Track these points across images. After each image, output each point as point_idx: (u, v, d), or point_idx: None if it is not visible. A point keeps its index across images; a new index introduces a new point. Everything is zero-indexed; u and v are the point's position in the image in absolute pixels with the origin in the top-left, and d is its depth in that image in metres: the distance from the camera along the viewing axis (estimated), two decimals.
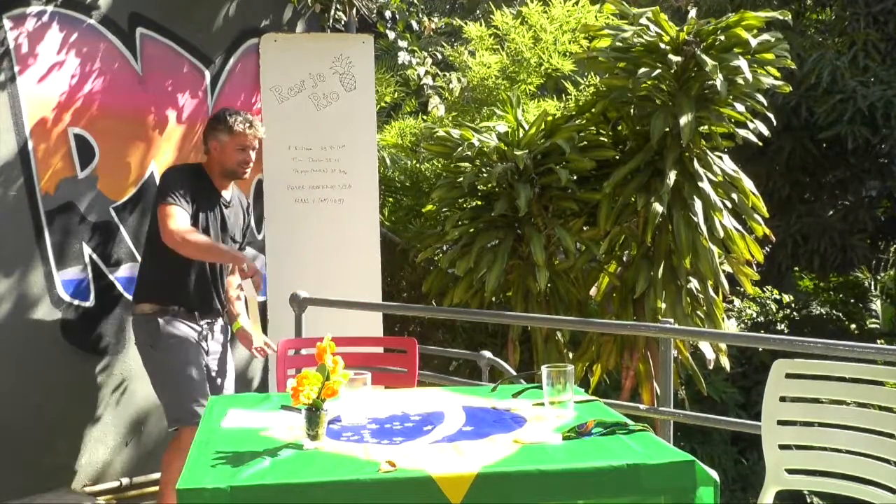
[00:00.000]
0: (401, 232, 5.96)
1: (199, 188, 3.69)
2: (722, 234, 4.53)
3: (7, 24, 4.02)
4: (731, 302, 7.65)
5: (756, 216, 4.71)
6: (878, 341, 8.52)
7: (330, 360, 2.14)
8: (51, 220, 4.15)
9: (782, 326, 8.24)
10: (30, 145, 4.09)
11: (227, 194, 3.82)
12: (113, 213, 4.39)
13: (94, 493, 4.28)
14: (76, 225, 4.25)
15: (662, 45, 4.46)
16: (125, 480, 4.43)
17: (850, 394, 2.53)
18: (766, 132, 4.69)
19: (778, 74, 4.63)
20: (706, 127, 4.66)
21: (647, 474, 1.93)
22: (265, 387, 4.86)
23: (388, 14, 5.97)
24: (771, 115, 4.78)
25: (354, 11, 5.44)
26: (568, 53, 6.09)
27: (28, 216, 4.09)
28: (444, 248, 5.34)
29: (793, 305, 8.57)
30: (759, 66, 4.46)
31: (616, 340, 4.76)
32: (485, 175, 4.77)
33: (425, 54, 6.28)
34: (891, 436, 2.38)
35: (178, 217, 3.52)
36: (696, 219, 4.45)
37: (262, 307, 4.64)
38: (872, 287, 9.37)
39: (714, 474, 1.96)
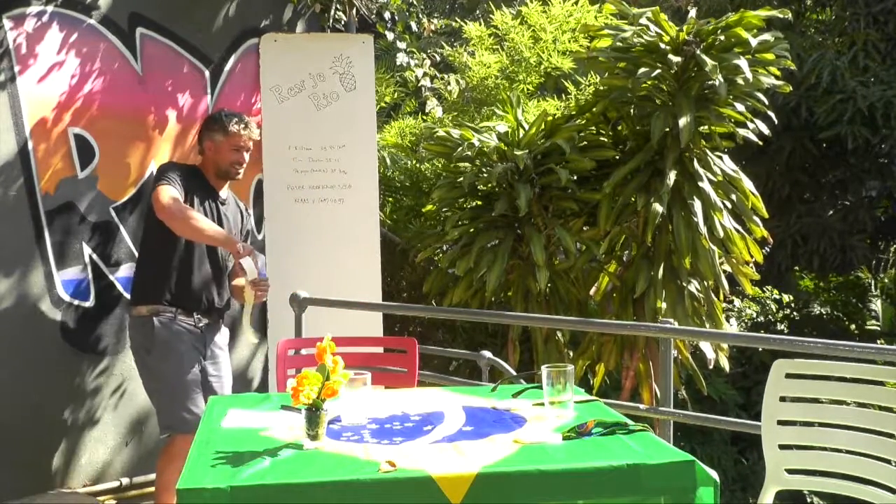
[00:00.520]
0: (401, 232, 5.96)
1: (196, 184, 3.69)
2: (722, 234, 4.53)
3: (7, 24, 4.02)
4: (731, 302, 7.65)
5: (755, 217, 4.71)
6: (878, 341, 8.52)
7: (330, 360, 2.14)
8: (51, 220, 4.15)
9: (782, 326, 8.24)
10: (30, 145, 4.09)
11: (223, 193, 3.82)
12: (113, 213, 4.39)
13: (94, 493, 4.28)
14: (76, 225, 4.25)
15: (662, 45, 4.46)
16: (125, 480, 4.43)
17: (850, 394, 2.53)
18: (766, 131, 4.69)
19: (778, 74, 4.63)
20: (706, 127, 4.66)
21: (647, 474, 1.93)
22: (265, 387, 4.86)
23: (387, 15, 5.97)
24: (772, 114, 4.78)
25: (354, 11, 5.44)
26: (567, 52, 6.09)
27: (28, 216, 4.09)
28: (444, 248, 5.34)
29: (793, 305, 8.57)
30: (759, 66, 4.46)
31: (616, 340, 4.76)
32: (485, 175, 4.77)
33: (424, 56, 6.28)
34: (891, 436, 2.37)
35: (170, 191, 3.50)
36: (696, 219, 4.45)
37: (262, 305, 4.64)
38: (872, 287, 9.37)
39: (714, 474, 1.96)
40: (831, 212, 8.51)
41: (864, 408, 2.58)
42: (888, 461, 2.39)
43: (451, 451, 2.05)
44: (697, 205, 4.49)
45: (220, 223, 3.73)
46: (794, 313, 8.55)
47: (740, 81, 4.40)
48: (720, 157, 4.75)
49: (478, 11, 10.41)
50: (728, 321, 5.01)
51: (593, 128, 4.88)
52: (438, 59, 6.92)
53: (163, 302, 3.60)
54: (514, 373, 4.01)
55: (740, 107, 4.56)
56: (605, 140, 4.86)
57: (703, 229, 4.46)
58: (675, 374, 4.30)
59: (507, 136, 4.96)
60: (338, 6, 5.38)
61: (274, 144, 4.77)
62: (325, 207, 4.85)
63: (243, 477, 1.87)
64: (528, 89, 6.22)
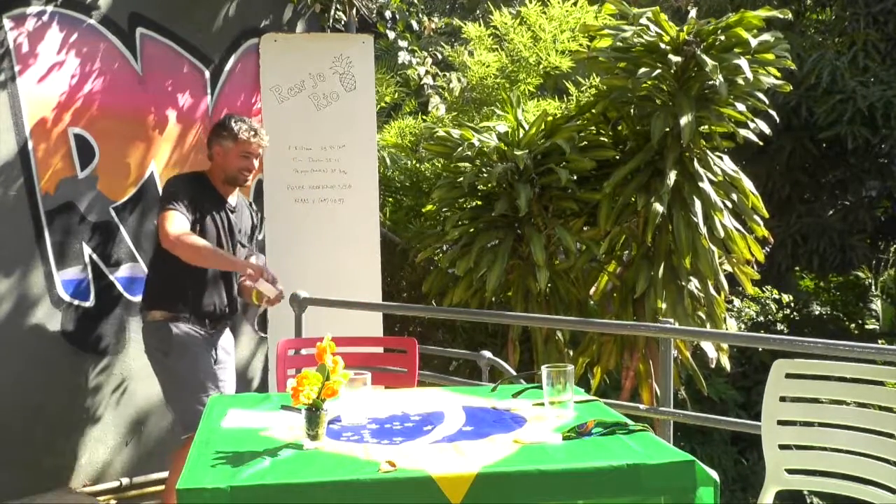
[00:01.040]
0: (401, 232, 5.96)
1: (203, 196, 3.67)
2: (722, 234, 4.53)
3: (7, 24, 4.02)
4: (731, 302, 7.65)
5: (756, 217, 4.71)
6: (879, 341, 8.52)
7: (330, 360, 2.14)
8: (51, 220, 4.15)
9: (782, 326, 8.24)
10: (30, 145, 4.09)
11: (232, 200, 3.80)
12: (113, 213, 4.39)
13: (94, 493, 4.28)
14: (76, 225, 4.25)
15: (662, 45, 4.46)
16: (125, 480, 4.43)
17: (850, 394, 2.52)
18: (767, 131, 4.69)
19: (778, 74, 4.63)
20: (706, 127, 4.66)
21: (647, 474, 1.93)
22: (265, 387, 4.86)
23: (388, 14, 5.97)
24: (773, 113, 4.78)
25: (354, 11, 5.44)
26: (567, 52, 6.10)
27: (28, 216, 4.09)
28: (444, 248, 5.34)
29: (792, 305, 8.58)
30: (759, 66, 4.46)
31: (616, 340, 4.76)
32: (485, 175, 4.77)
33: (425, 54, 6.28)
34: (891, 436, 2.37)
35: (176, 221, 3.50)
36: (696, 219, 4.45)
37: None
38: (872, 287, 9.38)
39: (714, 474, 1.96)
40: (831, 212, 8.52)
41: (864, 408, 2.58)
42: (888, 461, 2.39)
43: (451, 451, 2.05)
44: (698, 205, 4.49)
45: (231, 232, 3.72)
46: (794, 313, 8.55)
47: (740, 81, 4.40)
48: (720, 157, 4.75)
49: (478, 11, 10.41)
50: (728, 321, 4.99)
51: (593, 128, 4.88)
52: (439, 58, 6.92)
53: (176, 309, 3.61)
54: (514, 373, 4.01)
55: (741, 107, 4.56)
56: (605, 140, 4.86)
57: (704, 229, 4.46)
58: (675, 374, 4.30)
59: (507, 136, 4.96)
60: (338, 6, 5.38)
61: (274, 144, 4.73)
62: (325, 207, 4.85)
63: (243, 477, 1.87)
64: (528, 89, 6.22)
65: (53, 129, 4.18)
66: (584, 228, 4.84)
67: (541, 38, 6.07)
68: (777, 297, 8.40)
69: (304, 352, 3.27)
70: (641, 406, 3.96)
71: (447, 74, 6.39)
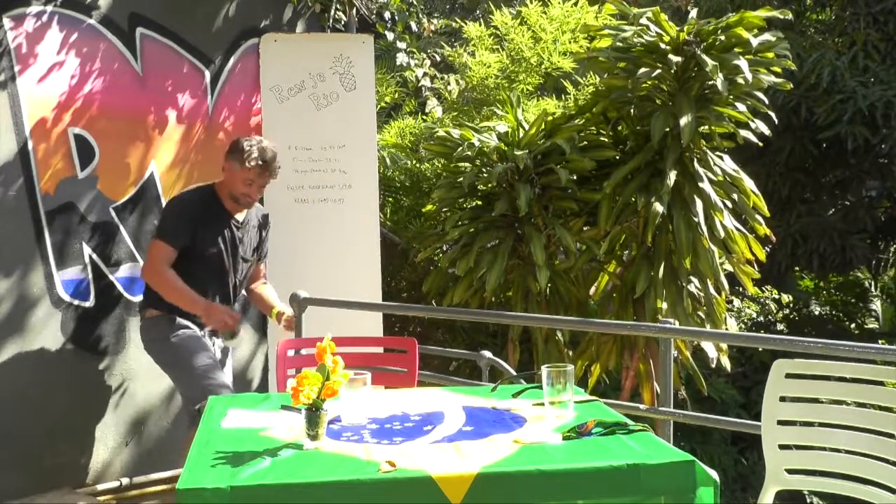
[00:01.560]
0: (401, 232, 5.96)
1: (207, 214, 3.69)
2: (722, 234, 4.52)
3: (7, 24, 4.02)
4: (731, 302, 7.65)
5: (757, 216, 4.71)
6: (879, 341, 8.52)
7: (330, 360, 2.14)
8: (51, 220, 4.15)
9: (782, 326, 8.24)
10: (30, 145, 4.09)
11: (240, 216, 3.82)
12: (113, 213, 4.39)
13: (94, 493, 4.28)
14: (76, 225, 4.25)
15: (662, 45, 4.46)
16: (125, 480, 4.43)
17: (850, 394, 2.52)
18: (767, 132, 4.69)
19: (779, 72, 4.63)
20: (706, 127, 4.66)
21: (647, 474, 1.93)
22: (265, 387, 4.86)
23: (387, 15, 5.97)
24: (772, 114, 4.78)
25: (354, 11, 5.44)
26: (567, 53, 6.09)
27: (28, 216, 4.09)
28: (444, 248, 5.34)
29: (792, 305, 8.57)
30: (759, 66, 4.46)
31: (616, 340, 4.76)
32: (485, 175, 4.77)
33: (424, 56, 6.28)
34: (891, 436, 2.37)
35: (161, 256, 3.63)
36: (696, 219, 4.45)
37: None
38: (872, 287, 9.37)
39: (714, 474, 1.96)
40: (831, 212, 8.51)
41: (864, 408, 2.58)
42: (888, 461, 2.39)
43: (451, 451, 2.05)
44: (698, 205, 4.48)
45: (234, 248, 3.79)
46: (794, 313, 8.55)
47: (740, 81, 4.39)
48: (721, 157, 4.75)
49: (478, 11, 10.41)
50: (728, 321, 4.99)
51: (593, 128, 4.88)
52: (438, 58, 6.92)
53: (174, 311, 3.72)
54: (514, 373, 4.01)
55: (741, 107, 4.56)
56: (606, 140, 4.85)
57: (704, 229, 4.46)
58: (675, 374, 4.30)
59: (507, 136, 4.96)
60: (338, 6, 5.38)
61: (274, 144, 4.76)
62: (325, 207, 4.85)
63: (243, 477, 1.87)
64: (527, 89, 6.22)
65: (53, 129, 4.17)
66: (584, 228, 4.83)
67: (541, 39, 6.07)
68: (777, 296, 8.40)
69: (304, 352, 3.28)
70: (641, 406, 3.96)
71: (446, 76, 6.39)
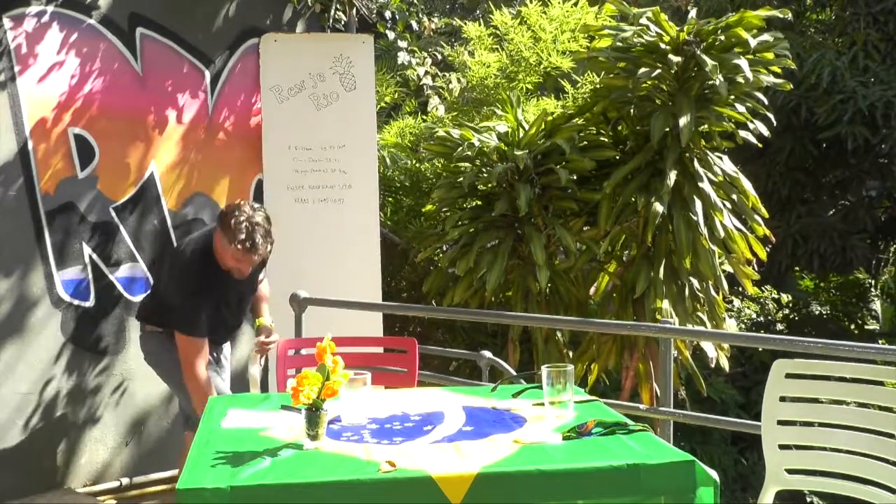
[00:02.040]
0: (401, 232, 5.96)
1: (207, 282, 3.45)
2: (722, 234, 4.52)
3: (7, 24, 4.02)
4: (731, 302, 7.65)
5: (756, 217, 4.71)
6: (879, 341, 8.52)
7: (330, 360, 2.14)
8: (51, 220, 4.15)
9: (782, 326, 8.24)
10: (30, 145, 4.09)
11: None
12: (113, 213, 4.39)
13: (94, 493, 4.28)
14: (76, 225, 4.25)
15: (662, 45, 4.46)
16: (125, 480, 4.43)
17: (850, 394, 2.52)
18: (766, 132, 4.69)
19: (779, 72, 4.63)
20: (706, 127, 4.66)
21: (647, 474, 1.93)
22: (265, 387, 4.85)
23: (387, 14, 5.97)
24: (771, 115, 4.78)
25: (354, 11, 5.44)
26: (567, 52, 6.09)
27: (28, 216, 4.09)
28: (444, 248, 5.34)
29: (792, 305, 8.57)
30: (759, 66, 4.46)
31: (616, 340, 4.76)
32: (485, 175, 4.77)
33: (425, 54, 6.28)
34: (891, 436, 2.37)
35: (193, 351, 3.38)
36: (696, 219, 4.45)
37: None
38: (872, 287, 9.37)
39: (714, 474, 1.96)
40: (831, 212, 8.51)
41: (864, 408, 2.58)
42: (888, 461, 2.39)
43: (451, 451, 2.05)
44: (698, 205, 4.48)
45: (229, 294, 3.56)
46: (794, 313, 8.54)
47: (740, 81, 4.39)
48: (720, 158, 4.75)
49: (478, 11, 10.41)
50: (728, 321, 4.99)
51: (593, 128, 4.88)
52: (439, 58, 6.92)
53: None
54: (514, 373, 4.01)
55: (741, 107, 4.56)
56: (605, 140, 4.85)
57: (704, 229, 4.46)
58: (674, 374, 4.30)
59: (507, 136, 4.96)
60: (338, 6, 5.38)
61: (274, 144, 4.77)
62: (325, 207, 4.85)
63: (243, 477, 1.87)
64: (525, 87, 6.22)
65: (53, 129, 4.18)
66: (584, 228, 4.83)
67: (541, 39, 6.07)
68: (777, 297, 8.40)
69: (304, 352, 3.28)
70: (641, 406, 3.96)
71: (447, 74, 6.39)
